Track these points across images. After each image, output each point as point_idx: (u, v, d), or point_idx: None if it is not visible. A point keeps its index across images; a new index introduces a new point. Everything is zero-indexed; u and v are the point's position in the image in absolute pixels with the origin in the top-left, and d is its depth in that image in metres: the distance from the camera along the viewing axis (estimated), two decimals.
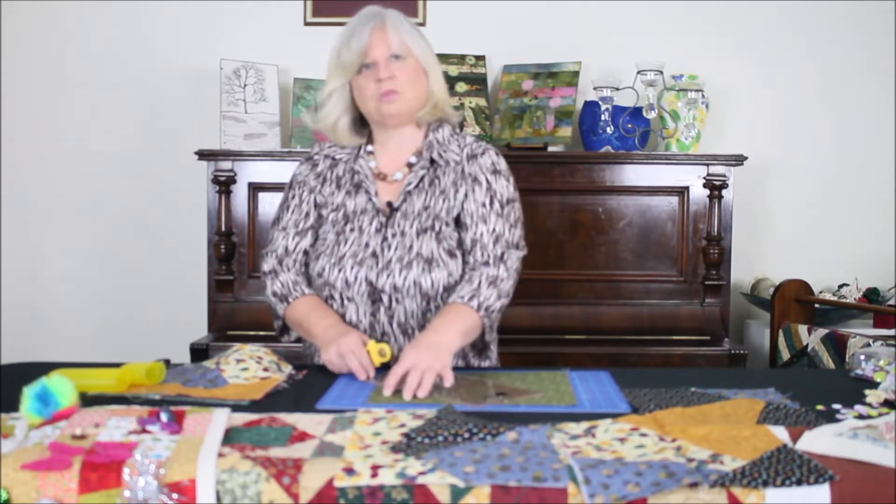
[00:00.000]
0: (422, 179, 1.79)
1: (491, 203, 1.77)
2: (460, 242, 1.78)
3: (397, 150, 1.82)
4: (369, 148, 1.84)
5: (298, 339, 1.87)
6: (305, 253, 1.84)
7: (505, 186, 1.80)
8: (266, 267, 1.85)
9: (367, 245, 1.76)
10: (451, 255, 1.76)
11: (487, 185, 1.78)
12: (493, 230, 1.76)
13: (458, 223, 1.78)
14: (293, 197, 1.86)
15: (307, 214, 1.84)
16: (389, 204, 1.78)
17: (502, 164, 1.83)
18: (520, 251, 1.80)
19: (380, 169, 1.82)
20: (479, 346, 1.79)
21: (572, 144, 3.01)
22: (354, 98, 1.77)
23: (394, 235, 1.76)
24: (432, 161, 1.81)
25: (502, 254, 1.75)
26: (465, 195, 1.77)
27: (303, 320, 1.75)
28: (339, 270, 1.76)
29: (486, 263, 1.74)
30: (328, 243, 1.79)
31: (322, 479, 1.05)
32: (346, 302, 1.77)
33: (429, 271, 1.74)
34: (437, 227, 1.77)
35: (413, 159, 1.81)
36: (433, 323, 1.65)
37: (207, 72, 3.14)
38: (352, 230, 1.78)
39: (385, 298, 1.75)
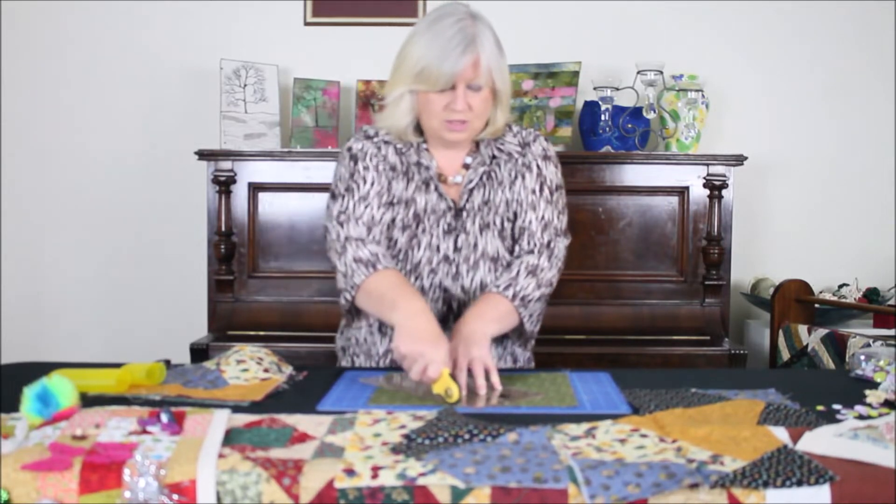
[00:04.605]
0: (481, 177, 1.76)
1: (541, 189, 1.76)
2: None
3: (452, 150, 1.77)
4: (425, 145, 1.76)
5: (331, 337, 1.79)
6: (388, 227, 1.74)
7: (554, 172, 1.79)
8: (352, 233, 1.68)
9: (438, 249, 1.74)
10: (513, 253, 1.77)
11: (538, 171, 1.77)
12: (542, 217, 1.75)
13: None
14: (366, 168, 1.73)
15: (387, 189, 1.74)
16: (454, 203, 1.75)
17: (551, 150, 1.81)
18: (566, 238, 1.79)
19: (440, 169, 1.76)
20: (523, 336, 1.76)
21: (572, 144, 3.01)
22: (418, 105, 1.69)
23: (459, 235, 1.74)
24: (493, 157, 1.77)
25: (549, 242, 1.74)
26: (517, 183, 1.76)
27: (388, 291, 1.60)
28: (416, 278, 1.73)
29: (531, 252, 1.73)
30: (400, 248, 1.74)
31: (322, 480, 1.05)
32: None
33: (494, 270, 1.74)
34: (498, 224, 1.75)
35: (468, 160, 1.77)
36: (466, 314, 1.64)
37: (207, 72, 3.14)
38: (423, 232, 1.74)
39: (455, 304, 1.74)
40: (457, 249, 1.74)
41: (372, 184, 1.72)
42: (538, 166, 1.77)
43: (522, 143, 1.78)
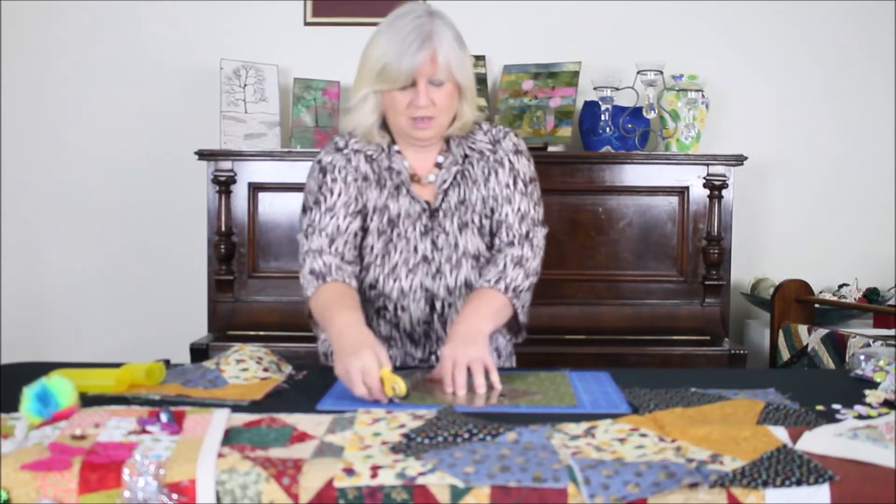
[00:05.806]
0: (455, 176, 1.77)
1: (515, 183, 1.77)
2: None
3: (424, 150, 1.78)
4: (396, 147, 1.78)
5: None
6: (355, 235, 1.74)
7: (527, 166, 1.81)
8: (313, 245, 1.71)
9: (415, 250, 1.75)
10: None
11: (510, 165, 1.78)
12: (518, 209, 1.76)
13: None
14: (334, 181, 1.75)
15: (356, 199, 1.75)
16: (428, 205, 1.77)
17: (522, 145, 1.83)
18: (544, 228, 1.80)
19: (413, 170, 1.78)
20: (514, 328, 1.79)
21: (572, 144, 3.01)
22: (384, 105, 1.71)
23: (438, 236, 1.75)
24: (465, 156, 1.79)
25: (527, 232, 1.76)
26: (491, 179, 1.78)
27: (324, 311, 1.62)
28: (395, 280, 1.75)
29: (511, 244, 1.75)
30: (376, 253, 1.76)
31: (322, 480, 1.05)
32: (399, 312, 1.76)
33: (477, 268, 1.75)
34: (476, 222, 1.77)
35: (440, 158, 1.78)
36: (461, 312, 1.64)
37: (207, 72, 3.14)
38: (399, 236, 1.75)
39: (438, 303, 1.75)
40: (437, 249, 1.75)
41: (339, 195, 1.74)
42: (510, 161, 1.78)
43: (493, 141, 1.80)
